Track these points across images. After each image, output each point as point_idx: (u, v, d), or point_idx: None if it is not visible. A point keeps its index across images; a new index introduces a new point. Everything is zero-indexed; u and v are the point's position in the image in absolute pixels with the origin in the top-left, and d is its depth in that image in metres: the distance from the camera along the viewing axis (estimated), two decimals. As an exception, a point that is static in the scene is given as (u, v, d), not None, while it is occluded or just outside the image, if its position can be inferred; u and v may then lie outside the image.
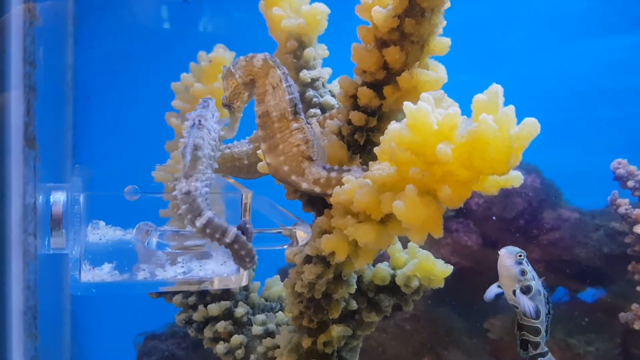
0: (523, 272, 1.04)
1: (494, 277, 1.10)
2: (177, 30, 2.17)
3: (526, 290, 1.05)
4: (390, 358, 1.72)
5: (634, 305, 1.53)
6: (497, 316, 1.78)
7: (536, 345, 1.08)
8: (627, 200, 1.53)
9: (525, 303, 1.04)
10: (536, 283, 1.05)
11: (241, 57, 1.02)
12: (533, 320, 1.06)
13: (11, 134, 1.27)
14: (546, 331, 1.08)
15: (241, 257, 0.85)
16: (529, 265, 1.06)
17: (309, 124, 1.01)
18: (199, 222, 0.84)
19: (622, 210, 1.52)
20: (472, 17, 1.84)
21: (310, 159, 0.99)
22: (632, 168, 1.53)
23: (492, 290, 1.09)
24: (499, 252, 1.06)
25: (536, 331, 1.06)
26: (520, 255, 1.05)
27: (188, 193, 0.85)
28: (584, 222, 1.79)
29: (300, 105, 1.01)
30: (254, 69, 1.00)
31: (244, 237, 0.84)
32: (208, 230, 0.84)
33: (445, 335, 1.78)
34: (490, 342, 1.78)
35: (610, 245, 1.73)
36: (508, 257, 1.05)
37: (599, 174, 1.64)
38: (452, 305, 1.81)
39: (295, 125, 0.99)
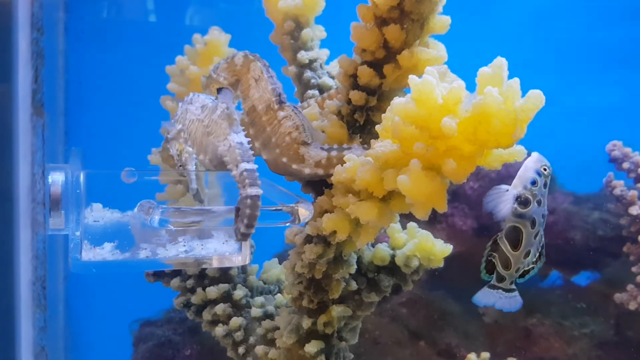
0: (534, 182, 0.93)
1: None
2: (168, 16, 2.16)
3: (523, 201, 0.93)
4: (386, 342, 1.73)
5: (630, 286, 1.55)
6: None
7: (501, 278, 0.98)
8: (622, 182, 1.54)
9: (505, 202, 0.93)
10: (537, 211, 0.93)
11: (221, 61, 1.03)
12: (508, 248, 0.95)
13: (19, 101, 1.25)
14: (521, 275, 0.97)
15: (241, 219, 0.85)
16: (545, 189, 0.94)
17: (296, 108, 1.00)
18: (245, 165, 0.87)
19: (617, 191, 1.52)
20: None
21: (305, 143, 0.99)
22: (628, 150, 1.54)
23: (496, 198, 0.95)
24: (532, 153, 0.95)
25: (506, 264, 0.96)
26: (545, 169, 0.94)
27: (242, 144, 0.90)
28: (578, 205, 1.80)
29: (284, 95, 1.01)
30: (236, 68, 1.01)
31: (258, 206, 0.84)
32: (245, 173, 0.86)
33: (441, 319, 1.79)
34: (486, 326, 1.79)
35: (605, 228, 1.75)
36: (534, 161, 0.94)
37: (593, 157, 1.65)
38: (447, 289, 1.82)
39: (282, 114, 0.99)
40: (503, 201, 0.93)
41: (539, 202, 0.93)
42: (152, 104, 1.39)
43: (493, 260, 0.98)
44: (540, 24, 2.27)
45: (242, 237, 0.84)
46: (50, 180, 0.93)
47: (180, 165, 1.04)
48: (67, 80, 1.98)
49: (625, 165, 1.53)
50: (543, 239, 0.97)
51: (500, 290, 0.99)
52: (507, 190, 0.95)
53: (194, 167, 1.03)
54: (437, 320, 1.78)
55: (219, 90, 0.97)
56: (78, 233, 0.93)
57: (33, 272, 1.33)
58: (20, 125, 1.25)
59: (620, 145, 1.54)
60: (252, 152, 0.90)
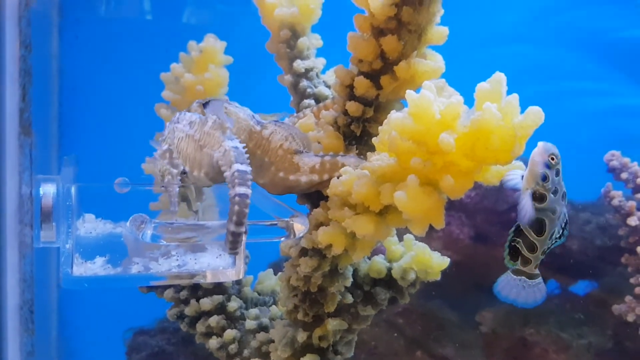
0: (545, 178, 0.90)
1: (485, 271, 1.06)
2: (163, 21, 2.15)
3: (539, 197, 0.91)
4: (383, 352, 1.72)
5: (628, 298, 1.54)
6: (488, 309, 1.78)
7: (526, 261, 0.95)
8: (620, 193, 1.53)
9: (525, 206, 0.90)
10: (555, 199, 0.91)
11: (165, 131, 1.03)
12: (533, 234, 0.93)
13: (6, 121, 1.24)
14: (543, 252, 0.95)
15: (230, 219, 0.83)
16: (558, 176, 0.91)
17: (277, 122, 1.00)
18: (237, 166, 0.85)
19: (615, 202, 1.51)
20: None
21: (298, 151, 0.98)
22: (626, 160, 1.53)
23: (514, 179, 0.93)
24: (539, 143, 0.92)
25: (531, 247, 0.94)
26: (553, 159, 0.90)
27: (236, 148, 0.88)
28: (575, 214, 1.78)
29: (257, 116, 1.01)
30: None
31: (247, 204, 0.83)
32: (237, 174, 0.84)
33: (438, 329, 1.77)
34: (483, 335, 1.77)
35: (602, 237, 1.73)
36: (540, 153, 0.90)
37: (591, 166, 1.64)
38: (443, 298, 1.81)
39: (266, 132, 0.98)
40: (523, 207, 0.91)
41: (554, 192, 0.91)
42: (147, 112, 1.38)
43: (517, 245, 0.95)
44: (535, 28, 2.26)
45: (233, 236, 0.82)
46: (41, 192, 0.91)
47: (162, 187, 1.03)
48: (60, 86, 1.96)
49: (624, 175, 1.52)
50: (566, 216, 0.95)
51: (523, 278, 0.96)
52: (523, 177, 0.92)
53: (177, 189, 1.02)
54: (434, 330, 1.77)
55: (205, 104, 0.96)
56: (69, 246, 0.91)
57: (20, 296, 1.31)
58: (7, 145, 1.23)
59: (618, 155, 1.53)
60: (248, 155, 0.89)
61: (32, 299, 1.38)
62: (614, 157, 1.53)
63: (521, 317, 1.76)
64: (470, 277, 1.66)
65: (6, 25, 1.26)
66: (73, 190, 0.92)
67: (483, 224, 1.79)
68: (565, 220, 0.95)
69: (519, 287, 0.97)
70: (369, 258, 1.13)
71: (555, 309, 1.78)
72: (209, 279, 0.96)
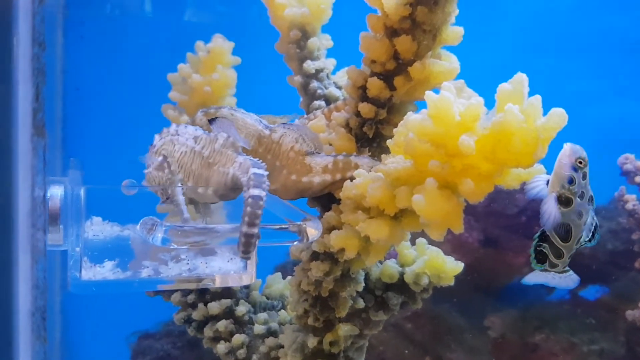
0: (572, 180, 0.88)
1: (494, 275, 1.04)
2: (168, 21, 2.13)
3: (564, 202, 0.89)
4: (391, 357, 1.70)
5: (642, 303, 1.52)
6: (497, 314, 1.76)
7: (553, 266, 0.94)
8: (634, 197, 1.52)
9: (549, 209, 0.88)
10: (581, 204, 0.89)
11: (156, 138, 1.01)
12: (559, 241, 0.91)
13: (19, 121, 1.21)
14: (571, 256, 0.93)
15: (243, 220, 0.82)
16: (585, 180, 0.89)
17: (285, 125, 0.98)
18: (254, 170, 0.85)
19: (629, 206, 1.50)
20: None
21: (310, 153, 0.96)
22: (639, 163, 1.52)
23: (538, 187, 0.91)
24: (566, 144, 0.90)
25: (558, 254, 0.93)
26: (581, 162, 0.88)
27: (251, 159, 0.89)
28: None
29: (264, 120, 0.99)
30: (203, 128, 0.99)
31: (260, 205, 0.82)
32: (252, 176, 0.84)
33: (447, 334, 1.76)
34: (492, 341, 1.75)
35: (614, 242, 1.72)
36: (568, 155, 0.88)
37: (604, 169, 1.62)
38: (452, 302, 1.79)
39: (276, 135, 0.97)
40: (547, 211, 0.89)
41: (581, 196, 0.89)
42: (154, 113, 1.36)
43: (544, 250, 0.94)
44: (547, 30, 2.25)
45: (246, 238, 0.81)
46: (48, 194, 0.89)
47: (167, 198, 1.00)
48: (64, 87, 1.95)
49: (638, 179, 1.50)
50: (595, 219, 0.93)
51: (552, 272, 0.96)
52: (548, 182, 0.90)
53: (182, 197, 1.00)
54: (443, 335, 1.75)
55: (211, 120, 0.94)
56: (78, 249, 0.89)
57: (33, 303, 1.28)
58: (19, 147, 1.20)
59: (632, 158, 1.52)
60: (264, 164, 0.88)
61: (44, 305, 1.35)
62: (628, 160, 1.52)
63: (530, 322, 1.74)
64: (478, 282, 1.64)
65: (19, 22, 1.23)
66: (82, 192, 0.90)
67: (492, 228, 1.77)
68: (594, 225, 0.93)
69: (548, 277, 0.96)
70: (381, 262, 1.11)
71: (565, 314, 1.76)
72: (218, 283, 0.94)
